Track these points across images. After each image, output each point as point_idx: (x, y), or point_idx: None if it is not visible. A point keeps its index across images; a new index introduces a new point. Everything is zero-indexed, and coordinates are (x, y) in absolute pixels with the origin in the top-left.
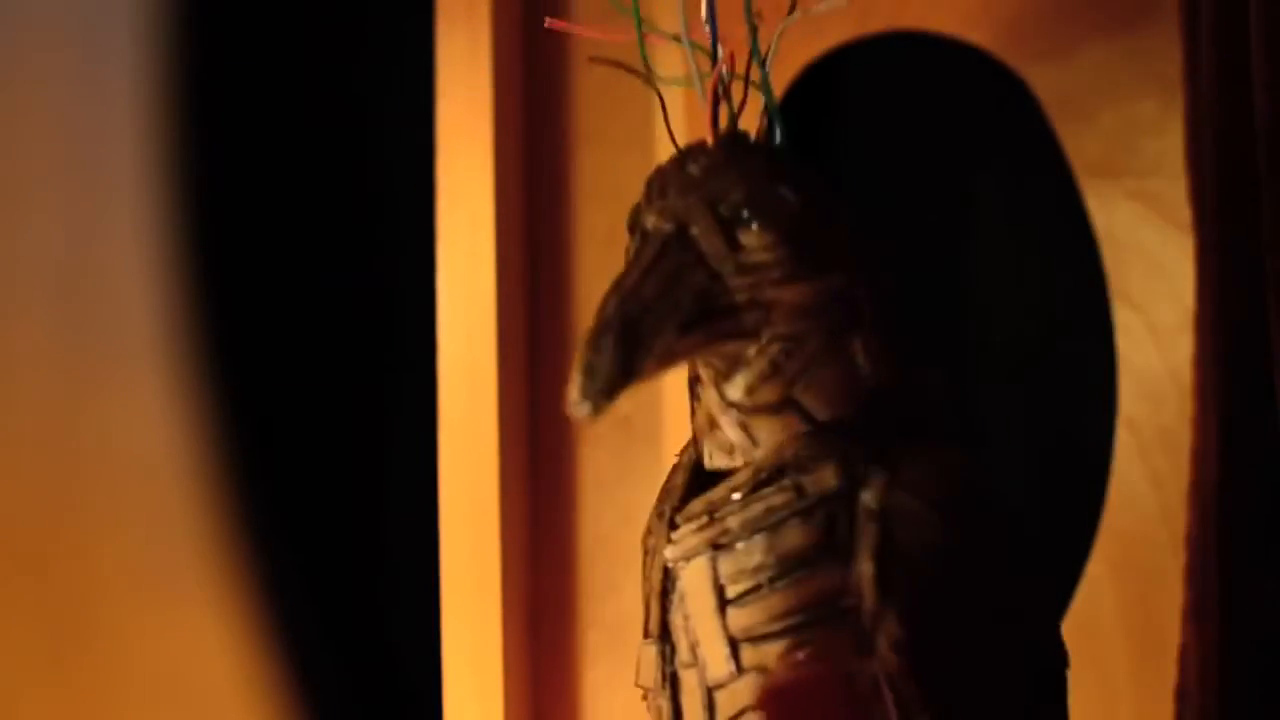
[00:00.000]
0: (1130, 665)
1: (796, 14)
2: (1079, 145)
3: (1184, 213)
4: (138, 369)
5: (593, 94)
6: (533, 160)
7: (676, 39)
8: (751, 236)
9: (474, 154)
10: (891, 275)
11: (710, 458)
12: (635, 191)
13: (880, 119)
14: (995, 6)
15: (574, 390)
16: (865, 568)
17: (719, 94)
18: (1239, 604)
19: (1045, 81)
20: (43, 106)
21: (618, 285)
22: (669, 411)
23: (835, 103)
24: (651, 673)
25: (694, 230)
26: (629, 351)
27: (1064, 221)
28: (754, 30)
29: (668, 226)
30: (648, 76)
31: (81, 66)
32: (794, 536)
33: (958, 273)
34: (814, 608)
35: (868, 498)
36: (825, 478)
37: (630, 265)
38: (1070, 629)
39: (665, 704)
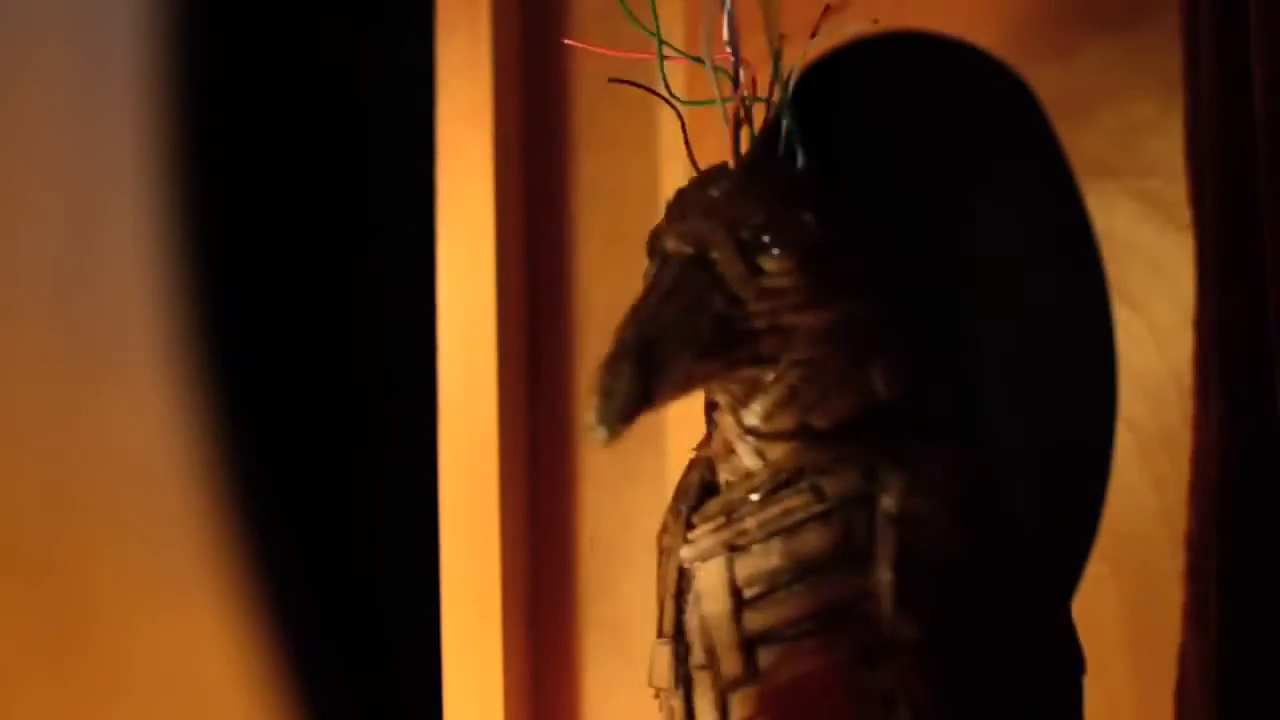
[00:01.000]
0: (1130, 665)
1: (820, 37)
2: (1079, 145)
3: (1184, 213)
4: (138, 369)
5: (593, 95)
6: (533, 160)
7: (699, 61)
8: (772, 262)
9: (474, 154)
10: (904, 295)
11: (723, 482)
12: (635, 192)
13: (880, 119)
14: (995, 6)
15: (590, 414)
16: (884, 574)
17: (740, 118)
18: (1239, 604)
19: (1045, 81)
20: (43, 106)
21: (636, 310)
22: (670, 413)
23: (835, 103)
24: (665, 673)
25: (714, 254)
26: (646, 377)
27: (1064, 221)
28: (777, 55)
29: (688, 250)
30: (670, 99)
31: (81, 66)
32: (812, 540)
33: (958, 272)
34: (830, 612)
35: (887, 502)
36: (844, 481)
37: (649, 289)
38: None
39: (679, 704)
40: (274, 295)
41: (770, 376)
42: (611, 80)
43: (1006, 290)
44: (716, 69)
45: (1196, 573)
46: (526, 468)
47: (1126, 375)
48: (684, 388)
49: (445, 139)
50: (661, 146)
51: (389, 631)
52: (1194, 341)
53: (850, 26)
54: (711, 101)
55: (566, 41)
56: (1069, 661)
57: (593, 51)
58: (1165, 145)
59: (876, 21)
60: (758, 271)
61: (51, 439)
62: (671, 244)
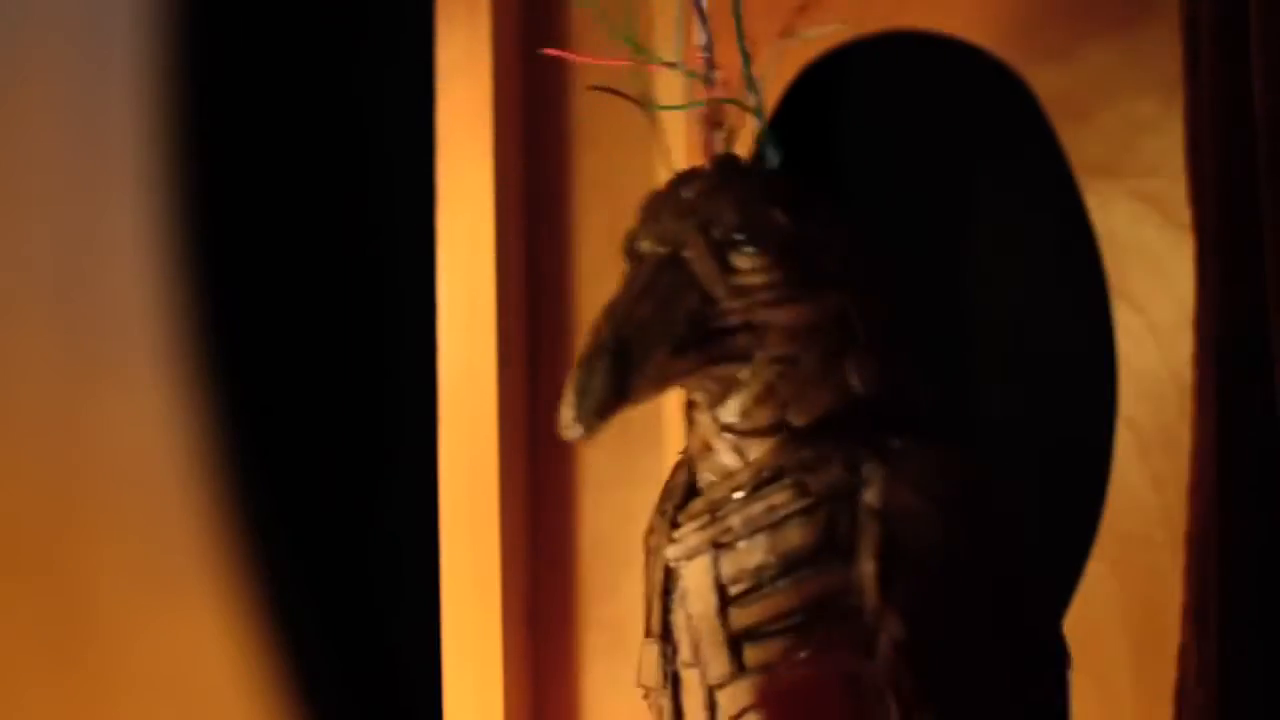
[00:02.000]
0: (1130, 665)
1: (792, 39)
2: (1079, 145)
3: (1184, 213)
4: (138, 369)
5: (592, 95)
6: (533, 160)
7: (673, 66)
8: (744, 259)
9: (474, 154)
10: (887, 292)
11: (704, 481)
12: (635, 192)
13: (880, 119)
14: (995, 6)
15: (567, 411)
16: (867, 567)
17: (713, 120)
18: (1239, 604)
19: (1045, 81)
20: (43, 106)
21: (611, 308)
22: (668, 413)
23: (835, 103)
24: (653, 672)
25: (687, 254)
26: (622, 372)
27: (1064, 221)
28: (747, 57)
29: (662, 250)
30: (645, 105)
31: (81, 66)
32: (795, 535)
33: (958, 272)
34: (815, 607)
35: (870, 496)
36: (827, 476)
37: (624, 288)
38: (1070, 629)
39: (667, 703)
40: (274, 295)
41: (746, 374)
42: (591, 88)
43: (1007, 290)
44: (690, 73)
45: (1196, 573)
46: (526, 468)
47: (1126, 375)
48: (659, 384)
49: (445, 139)
50: (661, 146)
51: (389, 631)
52: (1194, 341)
53: (818, 29)
54: (683, 106)
55: (543, 51)
56: (1056, 659)
57: (572, 60)
58: (1165, 145)
59: (845, 24)
60: (730, 270)
61: (51, 439)
62: (646, 245)
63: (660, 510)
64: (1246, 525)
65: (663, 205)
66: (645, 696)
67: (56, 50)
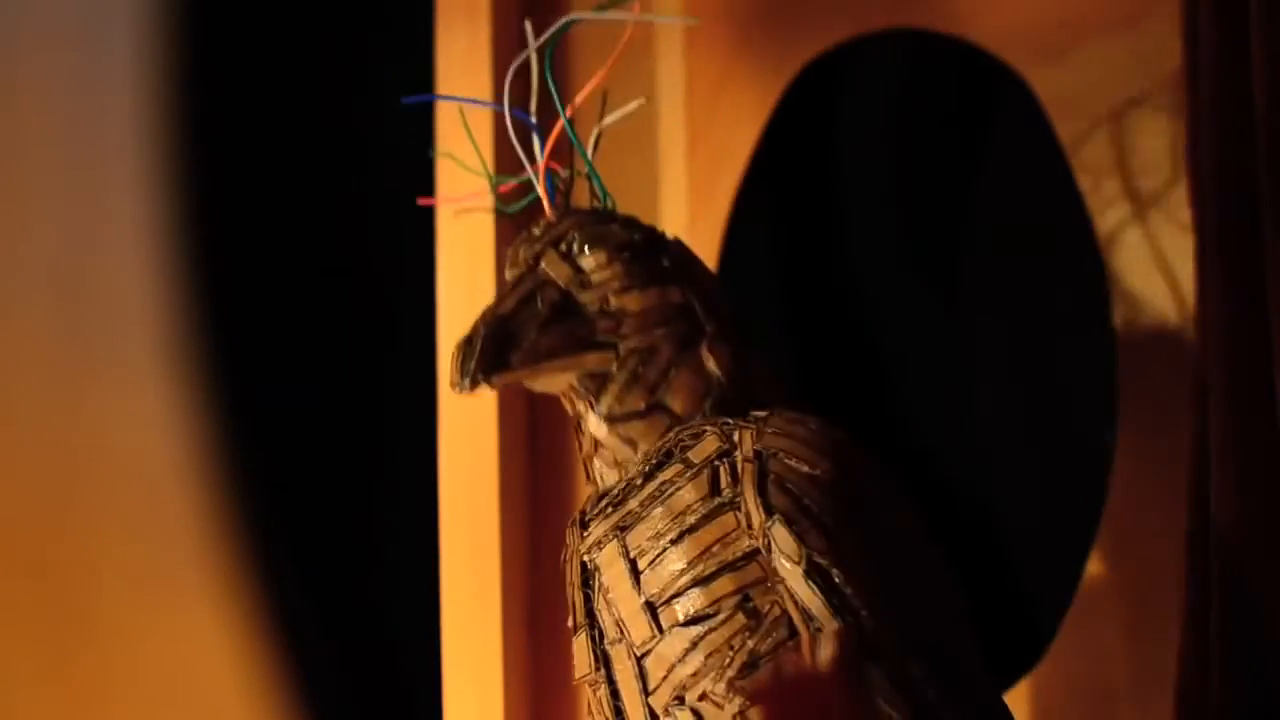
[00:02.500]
0: (1130, 665)
1: (612, 118)
2: (1079, 145)
3: (1184, 213)
4: (137, 368)
5: (592, 94)
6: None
7: (524, 180)
8: (589, 260)
9: (473, 154)
10: (724, 296)
11: (602, 480)
12: (635, 192)
13: (880, 119)
14: (995, 6)
15: (452, 374)
16: (749, 496)
17: (554, 192)
18: (1239, 604)
19: (1045, 81)
20: (43, 107)
21: (482, 310)
22: None
23: (835, 102)
24: (585, 659)
25: (543, 265)
26: (498, 345)
27: (1064, 221)
28: (570, 123)
29: (521, 270)
30: (504, 211)
31: (81, 66)
32: (685, 495)
33: (958, 273)
34: (715, 554)
35: (744, 449)
36: (707, 445)
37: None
38: (1071, 628)
39: (603, 686)
40: (274, 295)
41: (614, 367)
42: (457, 213)
43: (1006, 290)
44: (538, 175)
45: (1196, 573)
46: (526, 468)
47: (1126, 375)
48: (534, 359)
49: (445, 139)
50: (661, 146)
51: (389, 631)
52: (1194, 341)
53: (629, 106)
54: (532, 197)
55: (420, 200)
56: (943, 578)
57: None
58: (1165, 145)
59: (644, 100)
60: (580, 270)
61: (51, 438)
62: (508, 272)
63: (570, 525)
64: (1246, 525)
65: (517, 245)
66: (590, 701)
67: (56, 50)
